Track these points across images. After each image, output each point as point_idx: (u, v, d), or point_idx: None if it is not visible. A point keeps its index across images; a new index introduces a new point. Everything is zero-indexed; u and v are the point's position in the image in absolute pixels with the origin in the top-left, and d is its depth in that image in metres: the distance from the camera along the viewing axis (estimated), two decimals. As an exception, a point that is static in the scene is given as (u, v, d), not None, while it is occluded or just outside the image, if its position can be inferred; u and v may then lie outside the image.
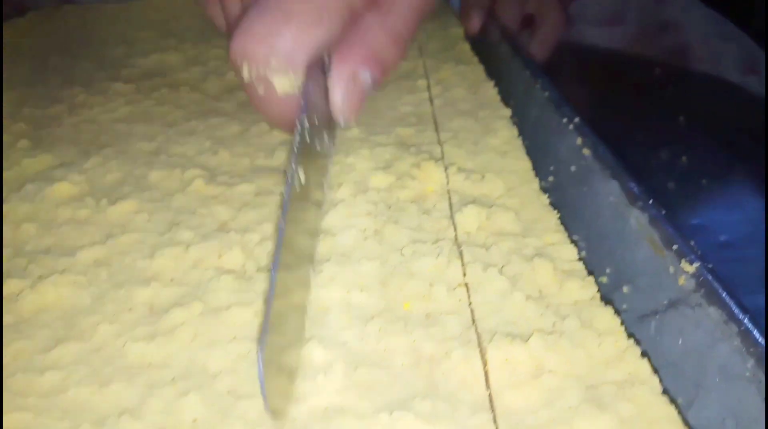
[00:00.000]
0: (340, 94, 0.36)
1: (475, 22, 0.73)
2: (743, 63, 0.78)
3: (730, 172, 0.62)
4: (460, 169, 0.40)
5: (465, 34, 0.71)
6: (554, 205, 0.38)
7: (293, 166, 0.29)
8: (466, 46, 0.67)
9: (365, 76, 0.37)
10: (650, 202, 0.34)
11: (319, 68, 0.36)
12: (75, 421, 0.25)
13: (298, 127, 0.32)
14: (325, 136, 0.36)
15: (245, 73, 0.35)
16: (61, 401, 0.26)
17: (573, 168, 0.42)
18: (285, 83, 0.34)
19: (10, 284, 0.33)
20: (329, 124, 0.35)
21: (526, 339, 0.27)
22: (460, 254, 0.33)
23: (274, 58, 0.34)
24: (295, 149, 0.30)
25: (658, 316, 0.31)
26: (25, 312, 0.32)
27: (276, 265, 0.24)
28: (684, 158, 0.63)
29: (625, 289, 0.34)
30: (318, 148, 0.34)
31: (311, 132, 0.33)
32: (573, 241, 0.34)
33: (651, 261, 0.32)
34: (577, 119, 0.44)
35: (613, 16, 0.91)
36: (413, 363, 0.27)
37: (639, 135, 0.64)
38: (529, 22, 0.77)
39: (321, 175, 0.34)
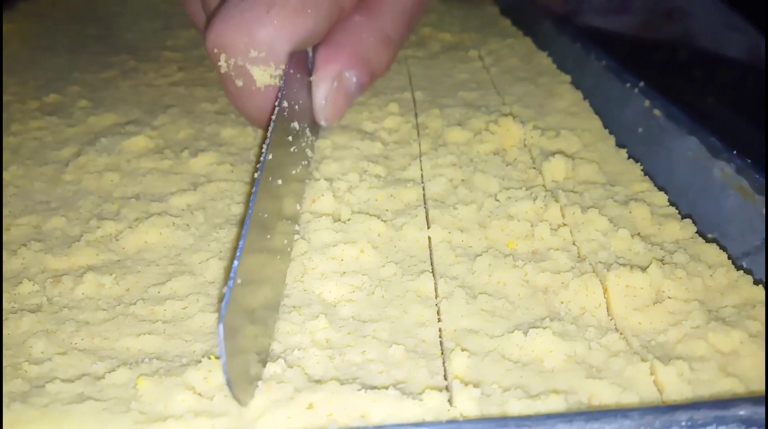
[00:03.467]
0: (323, 93, 0.35)
1: None
2: (748, 51, 0.79)
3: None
4: (535, 127, 0.41)
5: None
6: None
7: (264, 151, 0.28)
8: (507, 22, 0.68)
9: (351, 77, 0.35)
10: (734, 152, 0.35)
11: (302, 64, 0.35)
12: (210, 342, 0.26)
13: (275, 112, 0.30)
14: (307, 132, 0.35)
15: (222, 64, 0.33)
16: (189, 326, 0.27)
17: (641, 129, 0.43)
18: (265, 75, 0.33)
19: (106, 226, 0.34)
20: (311, 122, 0.33)
21: (643, 268, 0.27)
22: (556, 198, 0.33)
23: (254, 48, 0.32)
24: (269, 135, 0.29)
25: (750, 258, 0.32)
26: (128, 250, 0.32)
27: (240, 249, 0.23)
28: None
29: (710, 237, 0.35)
30: (294, 138, 0.32)
31: (289, 123, 0.32)
32: (661, 189, 0.35)
33: (740, 208, 0.33)
34: (641, 83, 0.45)
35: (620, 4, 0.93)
36: (529, 294, 0.28)
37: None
38: None
39: (296, 168, 0.33)
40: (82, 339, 0.26)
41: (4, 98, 0.51)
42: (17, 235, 0.34)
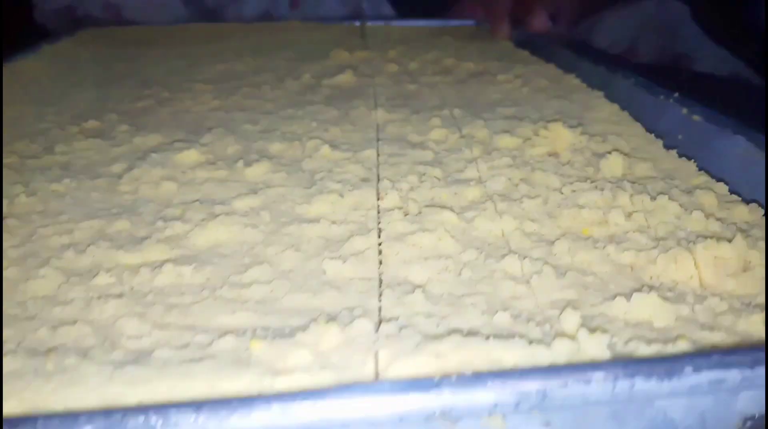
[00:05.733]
0: None
1: (506, 28, 0.78)
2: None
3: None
4: (583, 133, 0.42)
5: (494, 36, 0.77)
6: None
7: None
8: (525, 53, 0.70)
9: None
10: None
11: None
12: (305, 317, 0.25)
13: None
14: None
15: None
16: (282, 305, 0.26)
17: (680, 136, 0.44)
18: None
19: (173, 226, 0.33)
20: None
21: (729, 239, 0.28)
22: (623, 188, 0.34)
23: None
24: None
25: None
26: (199, 246, 0.32)
27: None
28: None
29: None
30: None
31: None
32: (720, 180, 0.36)
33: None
34: (676, 94, 0.47)
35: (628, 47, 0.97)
36: (615, 271, 0.28)
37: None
38: (553, 17, 0.82)
39: None
40: (176, 318, 0.26)
41: (42, 125, 0.51)
42: (82, 237, 0.33)
